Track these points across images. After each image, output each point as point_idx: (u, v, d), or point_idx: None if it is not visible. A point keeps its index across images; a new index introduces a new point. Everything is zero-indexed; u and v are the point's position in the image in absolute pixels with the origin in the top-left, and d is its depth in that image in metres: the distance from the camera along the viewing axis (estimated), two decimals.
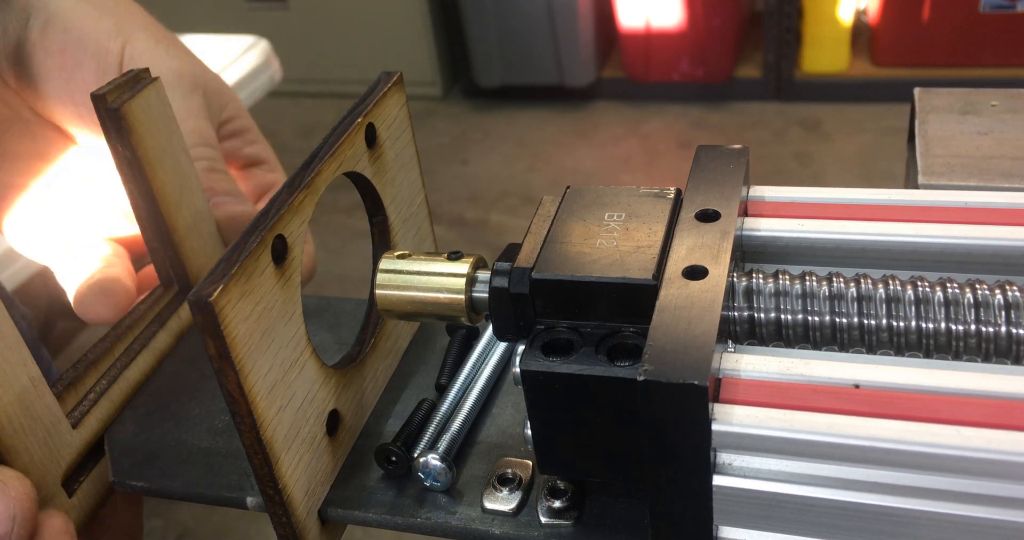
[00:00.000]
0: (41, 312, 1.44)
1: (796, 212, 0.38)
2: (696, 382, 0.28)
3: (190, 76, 0.52)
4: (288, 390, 0.36)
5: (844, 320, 0.33)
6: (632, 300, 0.33)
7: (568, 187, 0.39)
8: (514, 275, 0.34)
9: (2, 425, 0.37)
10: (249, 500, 0.40)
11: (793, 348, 0.34)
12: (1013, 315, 0.31)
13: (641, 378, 0.28)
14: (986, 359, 0.32)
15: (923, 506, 0.28)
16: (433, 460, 0.38)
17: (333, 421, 0.39)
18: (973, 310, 0.32)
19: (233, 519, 1.69)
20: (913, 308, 0.32)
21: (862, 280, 0.33)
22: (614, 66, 2.88)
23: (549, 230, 0.36)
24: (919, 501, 0.28)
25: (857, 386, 0.30)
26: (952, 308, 0.32)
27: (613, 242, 0.35)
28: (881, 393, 0.29)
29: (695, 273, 0.32)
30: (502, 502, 0.38)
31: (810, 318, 0.33)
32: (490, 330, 0.42)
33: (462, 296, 0.37)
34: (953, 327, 0.32)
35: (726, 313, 0.32)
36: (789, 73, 2.69)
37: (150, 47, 0.50)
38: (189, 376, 0.47)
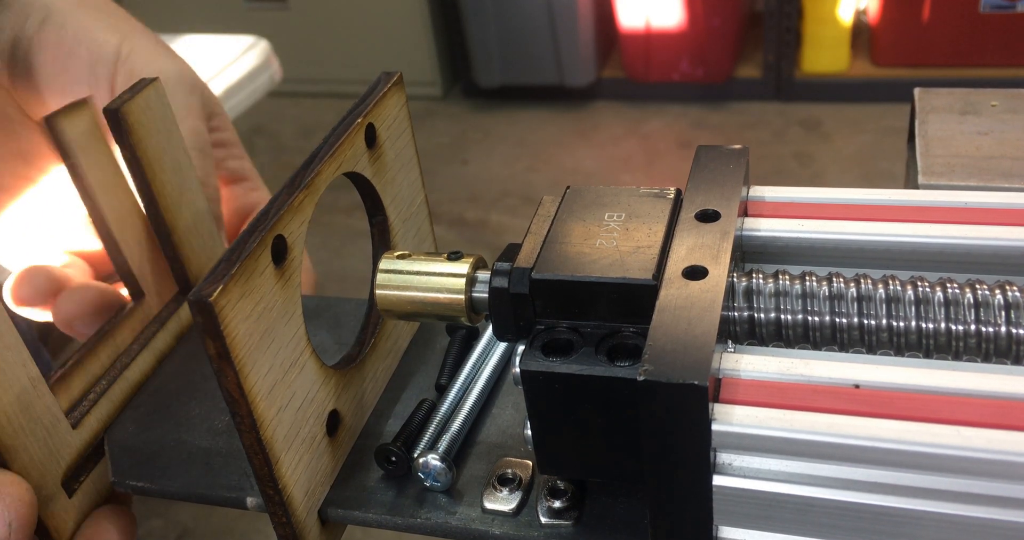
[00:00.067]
0: None
1: (796, 212, 0.38)
2: (696, 382, 0.28)
3: (190, 78, 0.53)
4: (288, 390, 0.36)
5: (844, 320, 0.33)
6: (632, 300, 0.33)
7: (568, 187, 0.39)
8: (514, 275, 0.34)
9: (1, 425, 0.37)
10: (249, 500, 0.40)
11: (793, 348, 0.34)
12: (1013, 315, 0.31)
13: (641, 378, 0.28)
14: (986, 359, 0.32)
15: (923, 506, 0.28)
16: (433, 460, 0.38)
17: (333, 421, 0.39)
18: (973, 310, 0.32)
19: (233, 519, 1.69)
20: (913, 308, 0.32)
21: (862, 280, 0.33)
22: (614, 66, 2.88)
23: (549, 230, 0.36)
24: (919, 501, 0.28)
25: (857, 386, 0.30)
26: (952, 308, 0.32)
27: (613, 242, 0.35)
28: (881, 393, 0.29)
29: (695, 273, 0.32)
30: (502, 502, 0.38)
31: (810, 318, 0.33)
32: (490, 330, 0.42)
33: (462, 296, 0.37)
34: (953, 327, 0.32)
35: (726, 313, 0.32)
36: (789, 73, 2.69)
37: (149, 47, 0.50)
38: (189, 376, 0.47)
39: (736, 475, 0.30)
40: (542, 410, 0.34)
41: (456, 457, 0.40)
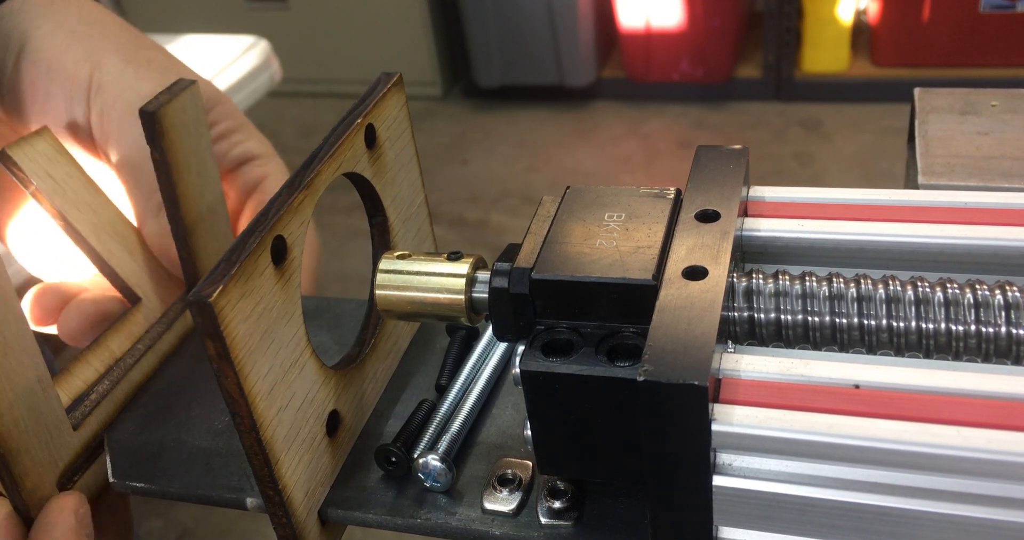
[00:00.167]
0: None
1: (796, 212, 0.38)
2: (696, 382, 0.28)
3: None
4: (288, 391, 0.36)
5: (844, 320, 0.33)
6: (632, 300, 0.33)
7: (568, 187, 0.39)
8: (514, 275, 0.34)
9: (8, 427, 0.36)
10: (249, 501, 0.40)
11: (793, 348, 0.34)
12: (1013, 315, 0.31)
13: (641, 378, 0.28)
14: (986, 359, 0.32)
15: (923, 506, 0.28)
16: (433, 461, 0.38)
17: (333, 422, 0.39)
18: (973, 310, 0.32)
19: (233, 519, 1.69)
20: (913, 308, 0.32)
21: (862, 280, 0.33)
22: (614, 66, 2.88)
23: (549, 230, 0.36)
24: (919, 501, 0.28)
25: (857, 386, 0.30)
26: (952, 308, 0.32)
27: (613, 242, 0.35)
28: (881, 393, 0.29)
29: (695, 273, 0.32)
30: (502, 503, 0.38)
31: (810, 318, 0.33)
32: (490, 331, 0.42)
33: (462, 296, 0.37)
34: (953, 327, 0.32)
35: (726, 313, 0.32)
36: (789, 73, 2.69)
37: (118, 71, 0.50)
38: (190, 377, 0.47)
39: (736, 475, 0.30)
40: (542, 410, 0.34)
41: (456, 457, 0.40)
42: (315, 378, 0.38)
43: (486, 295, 0.36)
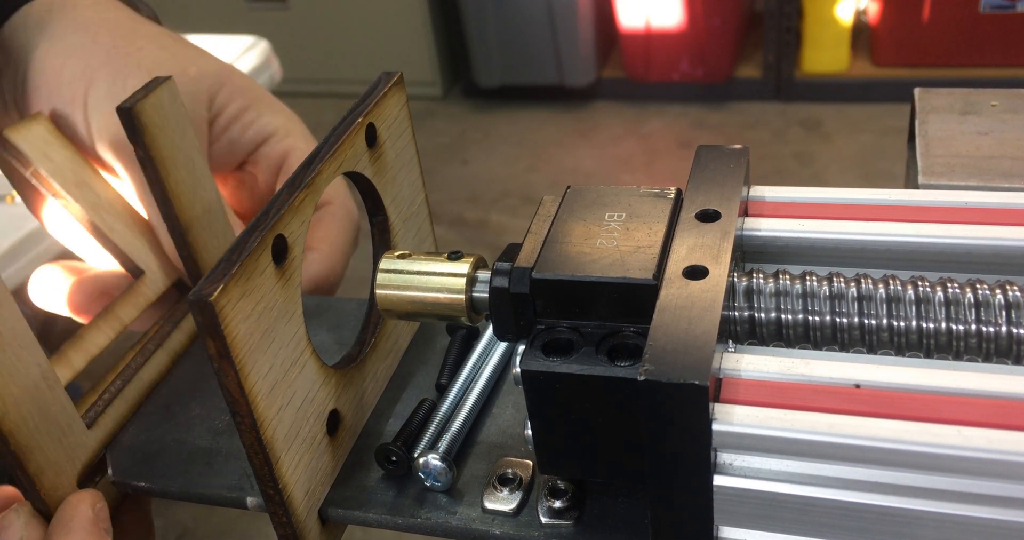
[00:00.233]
0: (41, 311, 1.44)
1: (796, 212, 0.38)
2: (696, 382, 0.28)
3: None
4: (288, 390, 0.36)
5: (844, 320, 0.33)
6: (632, 300, 0.33)
7: (568, 187, 0.39)
8: (514, 275, 0.34)
9: (17, 425, 0.36)
10: (249, 500, 0.40)
11: (794, 348, 0.34)
12: (1013, 315, 0.31)
13: (641, 378, 0.28)
14: (987, 359, 0.32)
15: (924, 506, 0.28)
16: (433, 460, 0.38)
17: (333, 421, 0.39)
18: (973, 310, 0.32)
19: (233, 519, 1.69)
20: (913, 308, 0.32)
21: (862, 280, 0.33)
22: (614, 66, 2.88)
23: (549, 230, 0.36)
24: (920, 501, 0.28)
25: (858, 386, 0.30)
26: (952, 308, 0.32)
27: (613, 242, 0.35)
28: (882, 393, 0.29)
29: (695, 273, 0.32)
30: (502, 502, 0.38)
31: (810, 318, 0.33)
32: (490, 330, 0.42)
33: (462, 296, 0.37)
34: (953, 327, 0.32)
35: (726, 313, 0.32)
36: (789, 73, 2.69)
37: (110, 86, 0.50)
38: (190, 376, 0.47)
39: (736, 475, 0.30)
40: (542, 410, 0.34)
41: (456, 457, 0.40)
42: (315, 377, 0.38)
43: (486, 295, 0.36)
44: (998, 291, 0.32)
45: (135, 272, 0.50)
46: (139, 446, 0.43)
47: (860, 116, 2.62)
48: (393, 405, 0.44)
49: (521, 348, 0.34)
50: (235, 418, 0.33)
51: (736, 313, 0.34)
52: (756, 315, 0.34)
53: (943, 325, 0.32)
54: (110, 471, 0.42)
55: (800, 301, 0.33)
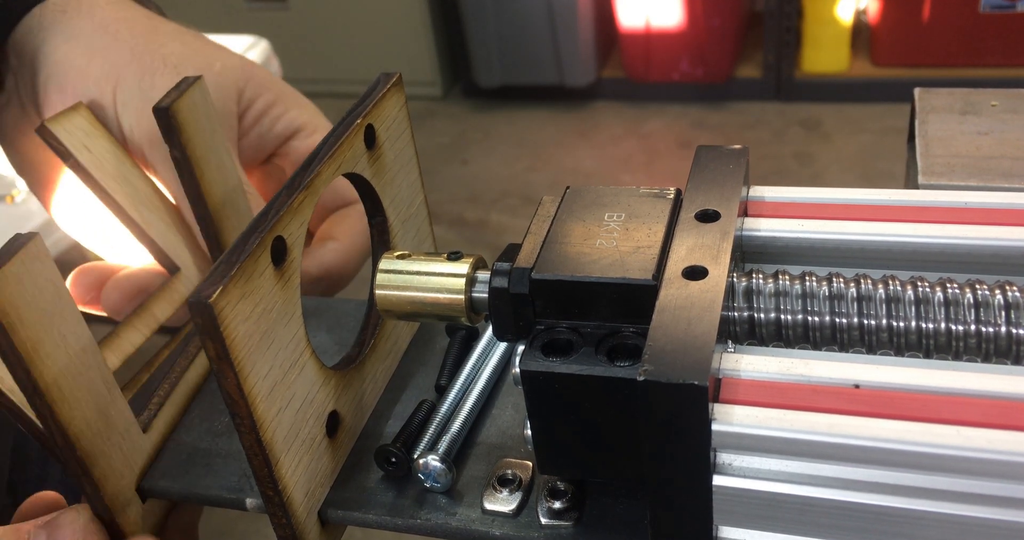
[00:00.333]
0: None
1: (796, 212, 0.38)
2: (696, 382, 0.28)
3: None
4: (288, 391, 0.35)
5: (844, 320, 0.33)
6: (632, 300, 0.33)
7: (568, 187, 0.39)
8: (514, 275, 0.34)
9: (81, 430, 0.36)
10: (248, 501, 0.40)
11: (793, 348, 0.34)
12: (1013, 315, 0.31)
13: (641, 378, 0.28)
14: (986, 359, 0.32)
15: (924, 506, 0.28)
16: (433, 461, 0.38)
17: (333, 422, 0.39)
18: (973, 310, 0.32)
19: (233, 519, 1.69)
20: (913, 308, 0.32)
21: (862, 280, 0.33)
22: (614, 66, 2.88)
23: (549, 230, 0.36)
24: (920, 501, 0.28)
25: (857, 386, 0.29)
26: (952, 308, 0.32)
27: (613, 242, 0.35)
28: (881, 393, 0.29)
29: (695, 273, 0.32)
30: (502, 503, 0.38)
31: (810, 318, 0.33)
32: (490, 331, 0.42)
33: (462, 296, 0.37)
34: (953, 327, 0.32)
35: (726, 313, 0.32)
36: (789, 73, 2.69)
37: (139, 83, 0.50)
38: None
39: (736, 475, 0.30)
40: (542, 410, 0.34)
41: (456, 458, 0.40)
42: (315, 379, 0.38)
43: (486, 295, 0.36)
44: (997, 291, 0.32)
45: (171, 268, 0.50)
46: None
47: (860, 116, 2.62)
48: (393, 406, 0.44)
49: (520, 348, 0.34)
50: (235, 420, 0.33)
51: (735, 313, 0.34)
52: (755, 315, 0.34)
53: (943, 325, 0.32)
54: None
55: (800, 301, 0.33)
